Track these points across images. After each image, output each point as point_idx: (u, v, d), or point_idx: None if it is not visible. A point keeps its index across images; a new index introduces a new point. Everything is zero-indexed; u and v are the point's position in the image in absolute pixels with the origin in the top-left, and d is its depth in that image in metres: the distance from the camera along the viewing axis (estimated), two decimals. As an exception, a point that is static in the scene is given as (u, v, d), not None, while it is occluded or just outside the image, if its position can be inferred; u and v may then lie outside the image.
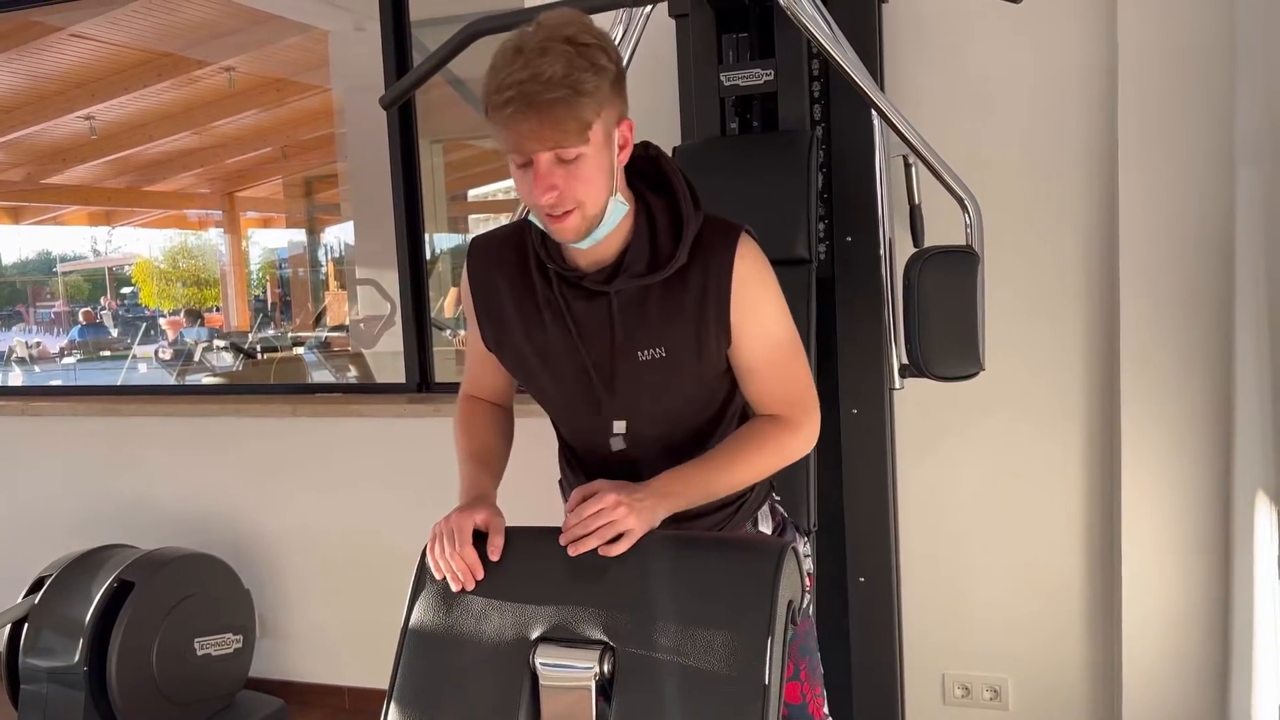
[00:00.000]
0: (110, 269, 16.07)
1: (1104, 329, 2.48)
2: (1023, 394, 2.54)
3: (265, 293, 12.80)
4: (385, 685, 1.38)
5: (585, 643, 1.30)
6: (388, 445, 3.17)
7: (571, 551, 1.34)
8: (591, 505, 1.34)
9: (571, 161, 1.29)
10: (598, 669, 1.28)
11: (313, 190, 9.68)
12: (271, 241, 12.91)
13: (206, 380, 7.41)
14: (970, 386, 2.09)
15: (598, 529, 1.33)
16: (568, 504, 1.43)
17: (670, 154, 1.51)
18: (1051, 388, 2.53)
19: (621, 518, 1.33)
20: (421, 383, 3.29)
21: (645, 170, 1.44)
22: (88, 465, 3.54)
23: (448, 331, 5.33)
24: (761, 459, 1.46)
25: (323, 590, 3.29)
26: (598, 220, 1.35)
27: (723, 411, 1.53)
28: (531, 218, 1.39)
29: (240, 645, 3.01)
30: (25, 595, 2.88)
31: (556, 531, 1.37)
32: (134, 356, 11.33)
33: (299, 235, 10.99)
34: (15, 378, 10.11)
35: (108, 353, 12.43)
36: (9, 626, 2.82)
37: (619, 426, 1.48)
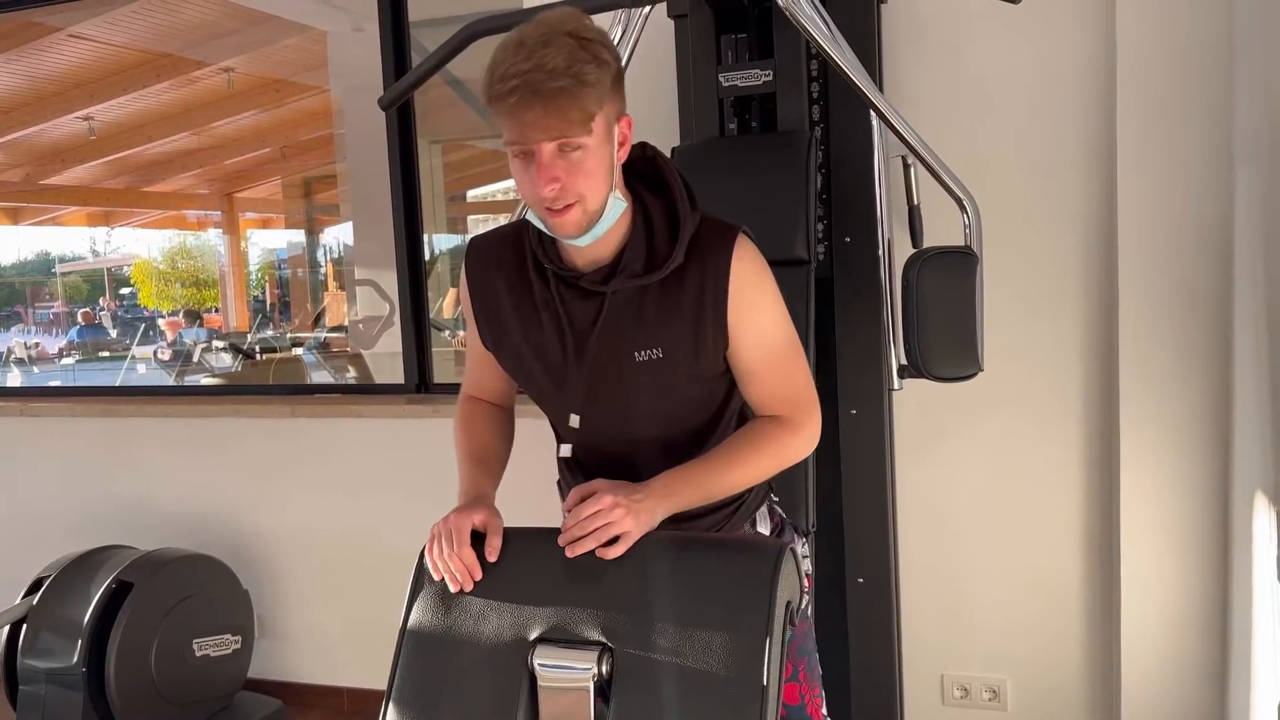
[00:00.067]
0: (109, 270, 16.05)
1: (1103, 329, 2.48)
2: (1022, 394, 2.54)
3: (264, 293, 12.78)
4: (384, 686, 1.38)
5: (584, 644, 1.30)
6: (387, 446, 3.17)
7: (569, 553, 1.34)
8: (589, 507, 1.34)
9: (573, 154, 1.29)
10: (596, 670, 1.28)
11: (312, 191, 9.68)
12: (270, 242, 12.91)
13: (205, 381, 7.40)
14: (969, 387, 2.09)
15: (595, 531, 1.33)
16: (565, 503, 1.43)
17: (669, 154, 1.51)
18: (1050, 388, 2.53)
19: (619, 519, 1.33)
20: (420, 383, 3.28)
21: (642, 170, 1.45)
22: (86, 466, 3.54)
23: (446, 332, 5.33)
24: (762, 460, 1.46)
25: (321, 591, 3.29)
26: (598, 216, 1.35)
27: (721, 413, 1.52)
28: (530, 216, 1.39)
29: (239, 646, 3.00)
30: (24, 596, 2.87)
31: (555, 532, 1.37)
32: (133, 357, 11.32)
33: (298, 236, 10.98)
34: (14, 378, 10.09)
35: (106, 353, 12.42)
36: (8, 627, 2.82)
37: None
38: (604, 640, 1.29)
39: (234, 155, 9.23)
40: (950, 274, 1.97)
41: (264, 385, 5.85)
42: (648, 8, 2.15)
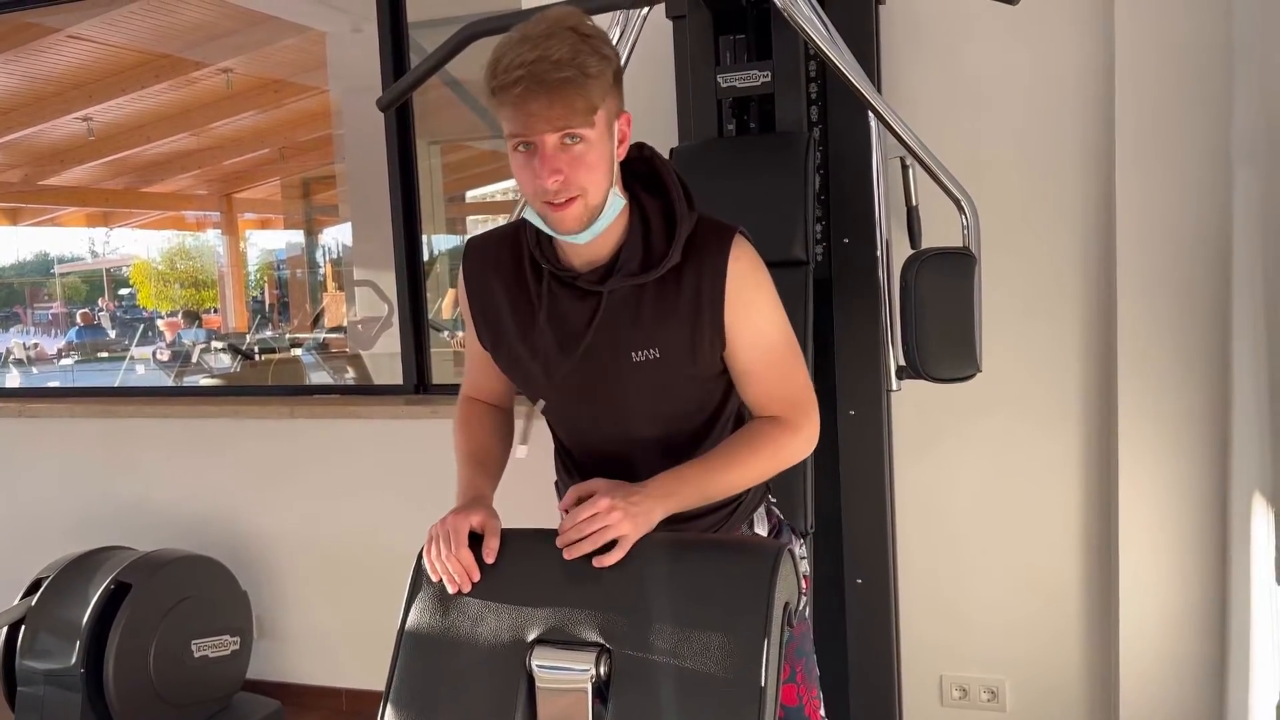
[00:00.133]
0: (108, 270, 16.05)
1: (1101, 329, 2.48)
2: (1020, 395, 2.54)
3: (263, 294, 12.78)
4: (382, 687, 1.38)
5: (582, 645, 1.30)
6: (385, 446, 3.17)
7: (566, 555, 1.34)
8: (585, 509, 1.34)
9: (576, 146, 1.29)
10: (594, 671, 1.28)
11: (310, 191, 9.67)
12: (269, 243, 12.90)
13: (204, 382, 7.39)
14: (967, 387, 2.09)
15: (591, 534, 1.33)
16: (562, 502, 1.43)
17: (668, 155, 1.51)
18: (1049, 388, 2.53)
19: (615, 522, 1.32)
20: (419, 384, 3.28)
21: (640, 171, 1.45)
22: (85, 467, 3.54)
23: (445, 333, 5.33)
24: (760, 461, 1.45)
25: (320, 592, 3.29)
26: (598, 211, 1.35)
27: (719, 413, 1.52)
28: (529, 214, 1.39)
29: (237, 647, 3.00)
30: (22, 597, 2.87)
31: (553, 534, 1.37)
32: (132, 358, 11.31)
33: (297, 236, 10.98)
34: (13, 379, 10.08)
35: (105, 354, 12.41)
36: (6, 628, 2.82)
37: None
38: (602, 641, 1.29)
39: (233, 156, 9.22)
40: (948, 275, 1.97)
41: (263, 386, 5.85)
42: (646, 9, 2.15)
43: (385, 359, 4.53)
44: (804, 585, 1.57)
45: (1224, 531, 2.32)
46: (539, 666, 1.30)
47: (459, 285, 1.55)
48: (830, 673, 2.08)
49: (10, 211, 10.26)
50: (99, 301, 16.09)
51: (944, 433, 2.61)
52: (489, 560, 1.38)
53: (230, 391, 4.80)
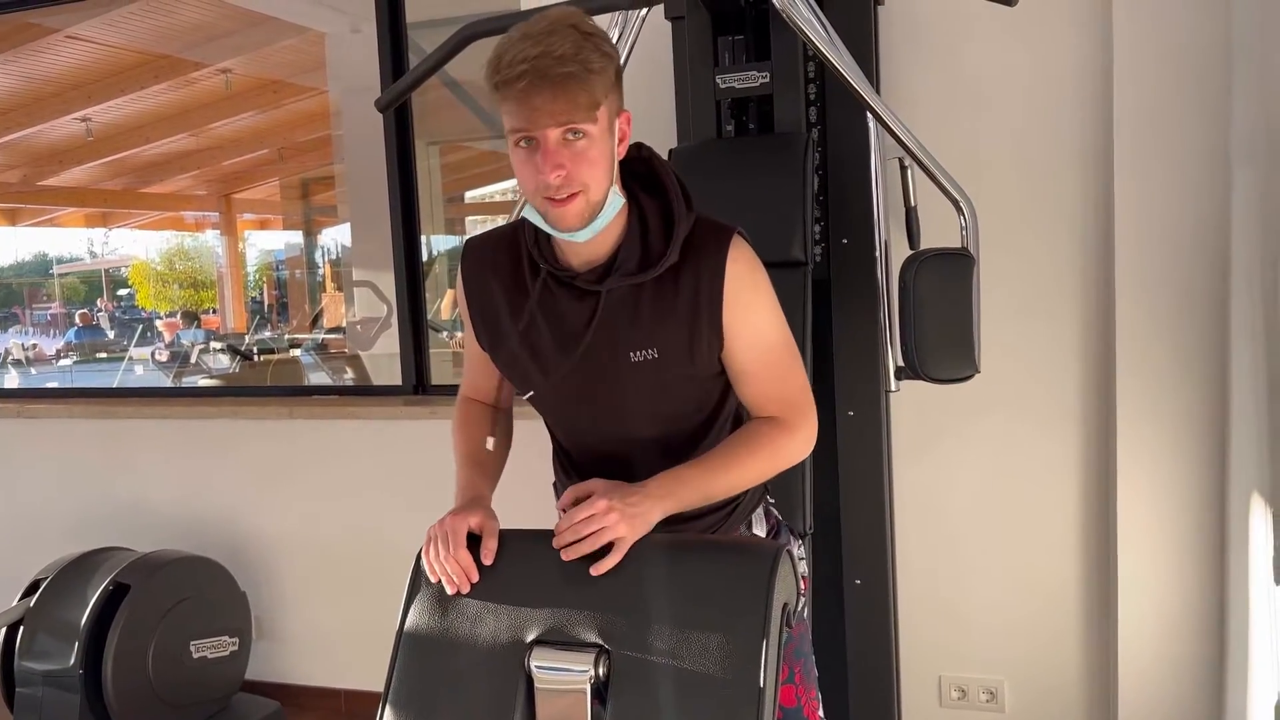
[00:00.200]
0: (107, 271, 16.03)
1: (1100, 330, 2.48)
2: (1019, 395, 2.54)
3: (262, 295, 12.77)
4: (381, 688, 1.38)
5: (580, 646, 1.30)
6: (384, 447, 3.17)
7: (563, 557, 1.34)
8: (583, 510, 1.34)
9: (578, 142, 1.30)
10: (593, 672, 1.28)
11: (309, 192, 9.67)
12: (268, 243, 12.89)
13: (203, 382, 7.39)
14: (966, 388, 2.09)
15: (588, 535, 1.33)
16: (560, 502, 1.43)
17: (667, 156, 1.51)
18: (1047, 389, 2.53)
19: (613, 524, 1.32)
20: (418, 385, 3.28)
21: (638, 171, 1.45)
22: (84, 467, 3.53)
23: (444, 333, 5.33)
24: (758, 462, 1.45)
25: (319, 592, 3.29)
26: (599, 208, 1.35)
27: (717, 413, 1.52)
28: (528, 214, 1.39)
29: (236, 648, 3.00)
30: (21, 598, 2.87)
31: (551, 534, 1.37)
32: (130, 358, 11.29)
33: (296, 237, 10.97)
34: (11, 380, 10.07)
35: (104, 355, 12.39)
36: (4, 629, 2.82)
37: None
38: (601, 642, 1.29)
39: (232, 156, 9.22)
40: (947, 275, 1.97)
41: (262, 386, 5.85)
42: (645, 9, 2.15)
43: (384, 359, 4.53)
44: (802, 586, 1.57)
45: (1222, 531, 2.32)
46: (538, 667, 1.30)
47: (457, 286, 1.55)
48: (829, 673, 2.08)
49: (9, 212, 10.25)
50: (98, 302, 16.07)
51: (943, 433, 2.61)
52: (487, 561, 1.38)
53: (229, 392, 4.80)
